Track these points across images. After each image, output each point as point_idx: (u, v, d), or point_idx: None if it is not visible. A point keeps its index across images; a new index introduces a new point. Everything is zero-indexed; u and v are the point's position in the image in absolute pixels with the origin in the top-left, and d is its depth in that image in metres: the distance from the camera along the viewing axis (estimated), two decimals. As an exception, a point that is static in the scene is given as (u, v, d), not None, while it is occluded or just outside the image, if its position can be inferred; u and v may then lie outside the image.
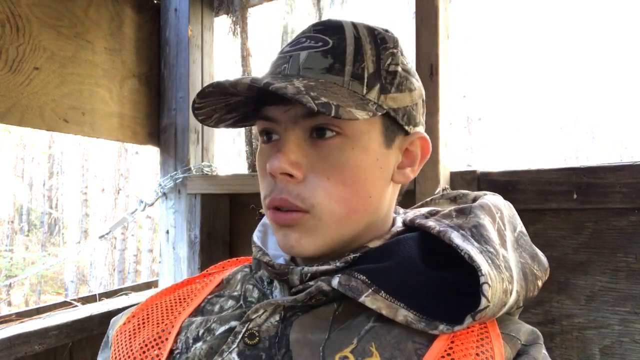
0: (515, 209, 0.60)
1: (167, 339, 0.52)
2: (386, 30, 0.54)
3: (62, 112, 1.20)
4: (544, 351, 0.47)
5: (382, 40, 0.52)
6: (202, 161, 1.48)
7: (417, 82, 0.55)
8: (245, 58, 1.51)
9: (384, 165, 0.52)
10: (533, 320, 0.98)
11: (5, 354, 0.99)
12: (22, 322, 1.14)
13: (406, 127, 0.53)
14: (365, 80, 0.49)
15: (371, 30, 0.53)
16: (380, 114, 0.49)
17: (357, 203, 0.50)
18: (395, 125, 0.52)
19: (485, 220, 0.52)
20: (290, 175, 0.49)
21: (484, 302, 0.44)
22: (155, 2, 1.50)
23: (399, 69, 0.52)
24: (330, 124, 0.49)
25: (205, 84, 1.49)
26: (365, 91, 0.49)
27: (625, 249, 0.91)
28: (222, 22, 1.56)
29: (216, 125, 0.56)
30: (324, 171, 0.49)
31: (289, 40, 0.60)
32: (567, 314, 0.96)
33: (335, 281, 0.47)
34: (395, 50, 0.52)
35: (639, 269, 0.90)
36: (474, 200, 0.59)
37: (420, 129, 0.56)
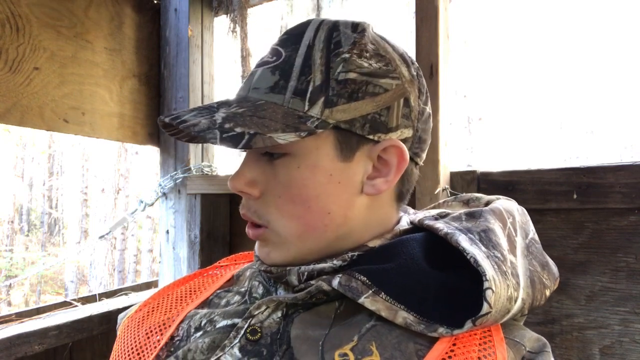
0: None
1: (169, 326, 0.53)
2: (354, 28, 0.50)
3: (62, 112, 1.20)
4: None
5: (335, 45, 0.49)
6: (202, 161, 1.48)
7: (392, 80, 0.50)
8: (244, 58, 1.51)
9: (342, 180, 0.49)
10: (533, 321, 0.98)
11: (5, 354, 0.99)
12: (22, 322, 1.14)
13: (371, 137, 0.49)
14: (308, 95, 0.47)
15: (330, 32, 0.50)
16: (321, 130, 0.46)
17: (313, 219, 0.50)
18: (354, 136, 0.49)
19: (495, 225, 0.51)
20: (248, 193, 0.51)
21: (485, 307, 0.43)
22: (155, 2, 1.50)
23: (352, 75, 0.48)
24: (268, 147, 0.48)
25: (205, 84, 1.49)
26: (306, 107, 0.47)
27: (625, 249, 0.91)
28: (222, 22, 1.56)
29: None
30: (275, 189, 0.50)
31: None
32: (567, 314, 0.96)
33: (335, 281, 0.47)
34: (347, 55, 0.48)
35: (639, 269, 0.90)
36: (487, 204, 0.59)
37: (401, 132, 0.51)
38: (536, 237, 0.57)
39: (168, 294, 0.61)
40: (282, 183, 0.49)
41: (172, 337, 0.52)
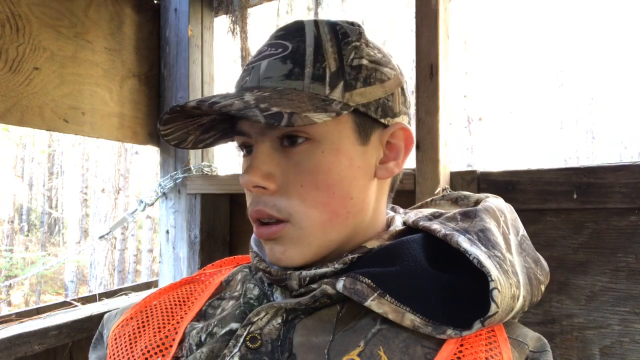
0: (515, 209, 0.59)
1: (171, 346, 0.51)
2: (351, 23, 0.53)
3: (62, 112, 1.20)
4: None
5: (343, 35, 0.51)
6: (202, 161, 1.48)
7: (391, 70, 0.53)
8: (244, 58, 1.51)
9: (362, 164, 0.51)
10: (533, 321, 0.98)
11: (5, 354, 0.99)
12: (22, 322, 1.14)
13: (382, 120, 0.52)
14: (327, 80, 0.48)
15: (333, 26, 0.52)
16: (346, 112, 0.48)
17: (337, 206, 0.49)
18: (369, 120, 0.51)
19: (491, 225, 0.51)
20: (264, 187, 0.49)
21: (493, 308, 0.44)
22: (155, 2, 1.50)
23: (364, 61, 0.51)
24: (296, 130, 0.48)
25: (205, 84, 1.49)
26: (327, 91, 0.48)
27: (625, 249, 0.91)
28: (222, 22, 1.56)
29: (194, 146, 0.56)
30: (297, 178, 0.49)
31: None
32: (567, 314, 0.96)
33: (339, 284, 0.47)
34: (358, 43, 0.51)
35: (639, 269, 0.90)
36: (477, 202, 0.58)
37: (402, 118, 0.54)
38: (526, 233, 0.57)
39: (154, 305, 0.58)
40: (306, 170, 0.48)
41: (176, 358, 0.50)
